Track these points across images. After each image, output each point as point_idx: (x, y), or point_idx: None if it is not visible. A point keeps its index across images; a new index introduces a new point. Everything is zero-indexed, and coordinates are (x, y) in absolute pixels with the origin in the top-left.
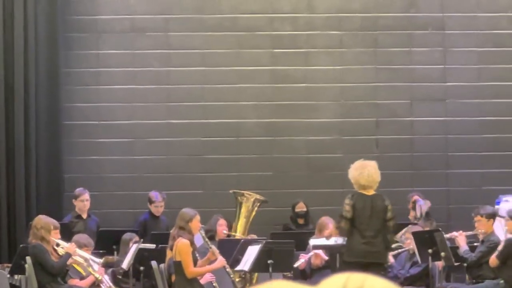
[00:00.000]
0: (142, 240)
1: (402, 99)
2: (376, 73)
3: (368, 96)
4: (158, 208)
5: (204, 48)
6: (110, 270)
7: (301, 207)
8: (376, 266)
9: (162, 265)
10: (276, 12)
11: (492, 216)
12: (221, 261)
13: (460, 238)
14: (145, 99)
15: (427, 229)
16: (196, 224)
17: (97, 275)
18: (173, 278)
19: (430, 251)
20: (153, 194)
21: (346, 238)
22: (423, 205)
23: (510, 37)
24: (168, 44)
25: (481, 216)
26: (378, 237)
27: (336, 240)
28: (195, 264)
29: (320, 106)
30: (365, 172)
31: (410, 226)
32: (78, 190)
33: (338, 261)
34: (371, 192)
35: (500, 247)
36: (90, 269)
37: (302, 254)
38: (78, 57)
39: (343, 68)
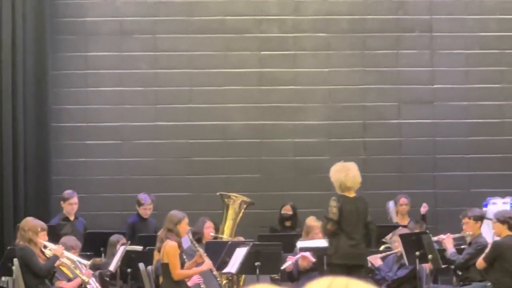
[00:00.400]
0: (129, 242)
1: (390, 101)
2: (364, 76)
3: (355, 98)
4: (146, 210)
5: (192, 50)
6: (97, 272)
7: (287, 210)
8: (360, 268)
9: (149, 267)
10: (264, 14)
11: (480, 218)
12: (207, 263)
13: (447, 240)
14: (132, 101)
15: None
16: (184, 226)
17: (84, 277)
18: (161, 280)
19: (417, 253)
20: (142, 197)
21: (329, 240)
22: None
23: (498, 40)
24: (155, 46)
25: (469, 218)
26: (363, 239)
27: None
28: (182, 266)
29: (307, 109)
30: (350, 174)
31: (400, 228)
32: (67, 193)
33: (325, 263)
34: (352, 194)
35: (487, 250)
36: (77, 271)
37: (290, 256)
38: (66, 59)
39: (331, 70)
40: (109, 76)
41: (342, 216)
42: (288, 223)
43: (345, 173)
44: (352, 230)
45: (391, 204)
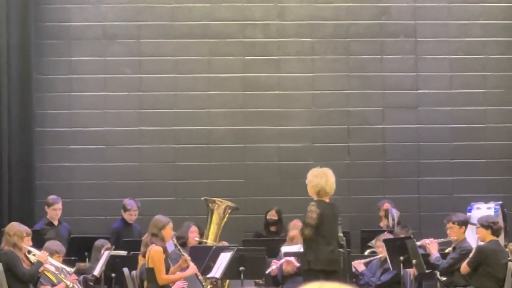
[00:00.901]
0: (113, 246)
1: (374, 106)
2: (348, 81)
3: (340, 103)
4: (132, 216)
5: (176, 55)
6: (81, 277)
7: (272, 215)
8: (336, 273)
9: (134, 272)
10: (248, 19)
11: (464, 223)
12: (192, 268)
13: (431, 245)
14: (117, 106)
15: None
16: (168, 231)
17: (68, 282)
18: (145, 284)
19: (401, 258)
20: (128, 202)
21: (308, 246)
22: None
23: (482, 45)
24: (139, 51)
25: (453, 223)
26: (338, 244)
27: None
28: (167, 271)
29: (292, 113)
30: (330, 180)
31: (386, 233)
32: (51, 198)
33: (304, 269)
34: (327, 199)
35: (471, 254)
36: (61, 276)
37: (274, 261)
38: (50, 63)
39: (315, 75)
40: (93, 81)
41: (322, 221)
42: (273, 228)
43: (325, 179)
44: (331, 236)
45: (393, 211)
